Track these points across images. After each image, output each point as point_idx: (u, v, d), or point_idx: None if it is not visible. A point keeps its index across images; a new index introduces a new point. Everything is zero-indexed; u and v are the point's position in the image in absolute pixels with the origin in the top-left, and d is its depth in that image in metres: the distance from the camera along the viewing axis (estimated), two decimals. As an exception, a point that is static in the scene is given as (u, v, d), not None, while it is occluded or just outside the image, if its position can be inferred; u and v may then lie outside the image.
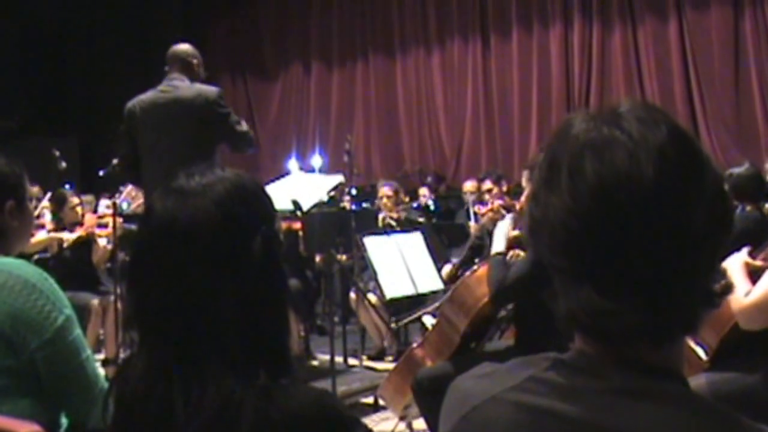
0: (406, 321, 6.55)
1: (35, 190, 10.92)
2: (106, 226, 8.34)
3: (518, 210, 5.45)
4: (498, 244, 4.70)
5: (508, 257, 4.69)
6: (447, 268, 8.77)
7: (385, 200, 9.37)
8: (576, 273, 1.34)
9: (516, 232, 4.72)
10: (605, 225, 1.29)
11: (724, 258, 3.89)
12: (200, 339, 1.67)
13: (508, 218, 4.92)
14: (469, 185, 11.18)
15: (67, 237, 8.34)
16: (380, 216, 9.19)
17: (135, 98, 6.75)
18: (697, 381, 3.86)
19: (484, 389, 1.40)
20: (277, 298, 1.81)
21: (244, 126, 6.72)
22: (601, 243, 1.30)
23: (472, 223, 9.69)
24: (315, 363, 8.43)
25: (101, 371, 2.70)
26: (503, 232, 4.76)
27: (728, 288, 1.37)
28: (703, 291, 1.35)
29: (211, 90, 6.56)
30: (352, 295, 8.72)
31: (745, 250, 4.05)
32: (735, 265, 3.95)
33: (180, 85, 6.58)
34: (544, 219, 1.37)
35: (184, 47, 6.82)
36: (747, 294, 3.76)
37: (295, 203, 6.52)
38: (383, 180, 11.04)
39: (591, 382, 1.33)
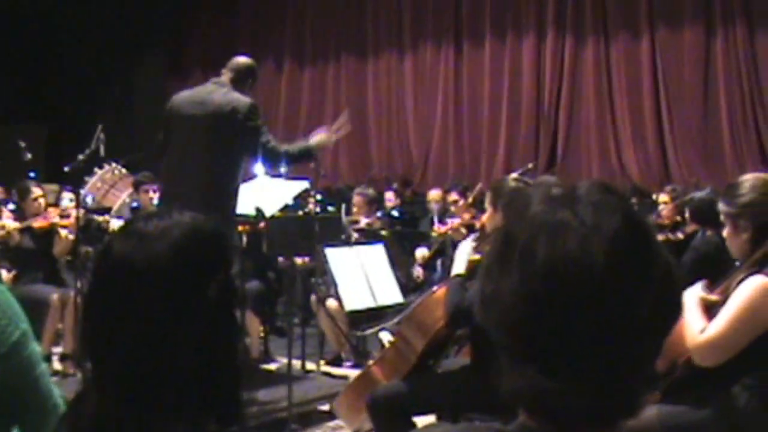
0: (364, 333, 6.58)
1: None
2: (68, 217, 8.30)
3: (480, 228, 5.46)
4: (459, 266, 4.71)
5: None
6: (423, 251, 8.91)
7: (357, 208, 9.48)
8: (523, 352, 1.35)
9: (477, 256, 4.72)
10: (554, 309, 1.31)
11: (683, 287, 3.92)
12: (152, 383, 1.68)
13: (470, 240, 4.92)
14: (434, 194, 11.22)
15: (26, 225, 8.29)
16: (363, 221, 9.29)
17: (182, 92, 6.80)
18: (648, 413, 3.88)
19: None
20: (230, 345, 1.81)
21: (272, 142, 6.71)
22: (549, 326, 1.32)
23: (436, 228, 9.76)
24: (273, 367, 8.42)
25: (55, 388, 2.68)
26: (465, 252, 4.77)
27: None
28: (648, 375, 1.37)
29: (243, 101, 6.57)
30: (314, 297, 8.74)
31: (700, 285, 4.08)
32: (691, 299, 3.97)
33: (217, 90, 6.62)
34: (495, 296, 1.38)
35: (244, 60, 6.92)
36: (702, 331, 3.78)
37: (258, 211, 6.52)
38: (357, 187, 11.06)
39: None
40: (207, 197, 6.38)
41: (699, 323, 3.83)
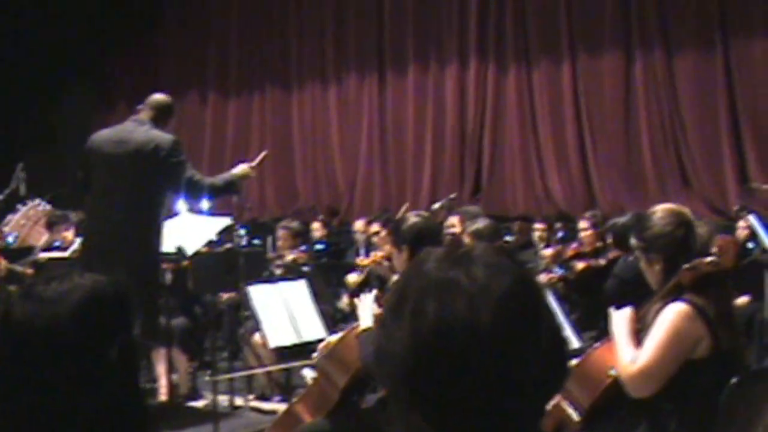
0: (288, 366, 6.57)
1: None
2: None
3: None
4: (365, 320, 4.65)
5: None
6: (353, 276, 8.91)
7: (282, 242, 9.46)
8: (410, 401, 1.38)
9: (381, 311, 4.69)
10: (441, 364, 1.34)
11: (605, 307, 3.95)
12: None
13: (372, 295, 4.87)
14: (359, 224, 11.25)
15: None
16: (289, 256, 9.27)
17: (100, 131, 6.78)
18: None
19: None
20: (134, 404, 1.81)
21: (196, 176, 6.72)
22: (436, 379, 1.35)
23: (360, 260, 9.77)
24: (201, 404, 8.35)
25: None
26: (368, 306, 4.73)
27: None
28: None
29: (165, 138, 6.58)
30: (241, 332, 8.71)
31: (629, 309, 4.12)
32: (620, 327, 4.02)
33: (137, 128, 6.61)
34: (388, 347, 1.41)
35: (162, 98, 6.92)
36: (633, 361, 3.83)
37: (180, 249, 6.50)
38: (281, 219, 11.06)
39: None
40: (132, 237, 6.37)
41: (629, 353, 3.88)
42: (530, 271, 1.46)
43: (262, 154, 7.61)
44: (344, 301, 9.45)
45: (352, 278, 9.57)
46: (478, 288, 1.36)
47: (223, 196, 7.45)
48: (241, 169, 7.23)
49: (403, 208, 10.02)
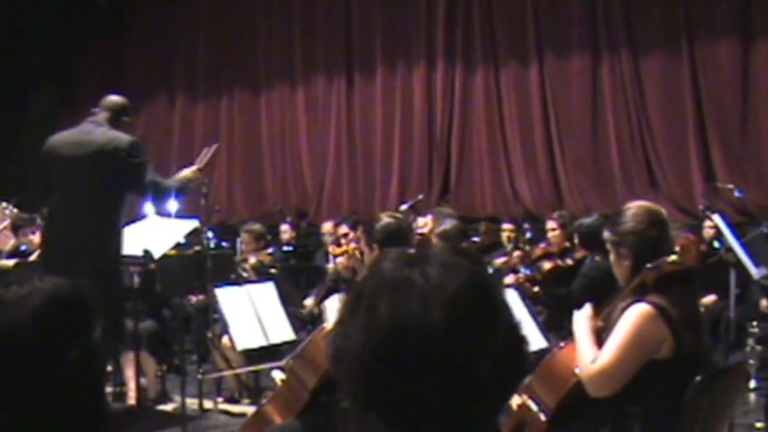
0: (257, 369, 6.56)
1: None
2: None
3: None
4: (332, 321, 4.64)
5: None
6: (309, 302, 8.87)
7: (245, 245, 9.44)
8: (367, 401, 1.39)
9: None
10: (396, 362, 1.35)
11: (572, 307, 3.96)
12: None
13: (340, 296, 4.90)
14: (327, 226, 11.26)
15: None
16: (251, 259, 9.23)
17: (58, 133, 6.77)
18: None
19: None
20: (95, 408, 1.80)
21: (157, 177, 6.72)
22: (392, 378, 1.35)
23: (329, 265, 9.75)
24: (170, 407, 8.33)
25: None
26: (335, 308, 4.74)
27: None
28: (491, 430, 1.41)
29: (123, 138, 6.57)
30: (210, 334, 8.69)
31: (588, 307, 4.15)
32: (581, 326, 4.04)
33: (94, 129, 6.58)
34: (345, 347, 1.42)
35: (117, 99, 6.91)
36: (593, 361, 3.84)
37: (147, 252, 6.48)
38: (248, 221, 11.05)
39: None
40: (93, 239, 6.35)
41: (590, 352, 3.89)
42: (486, 270, 1.46)
43: (207, 151, 7.56)
44: (309, 303, 9.36)
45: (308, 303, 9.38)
46: (431, 287, 1.37)
47: (180, 198, 7.41)
48: (187, 172, 7.24)
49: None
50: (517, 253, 9.41)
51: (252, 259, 9.25)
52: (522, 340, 1.45)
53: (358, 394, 1.41)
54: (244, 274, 8.99)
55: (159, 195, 6.86)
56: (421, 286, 1.37)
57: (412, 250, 1.48)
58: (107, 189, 6.50)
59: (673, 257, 3.90)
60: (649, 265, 3.88)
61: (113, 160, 6.47)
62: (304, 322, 8.76)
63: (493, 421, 1.43)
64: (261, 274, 8.74)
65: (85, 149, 6.51)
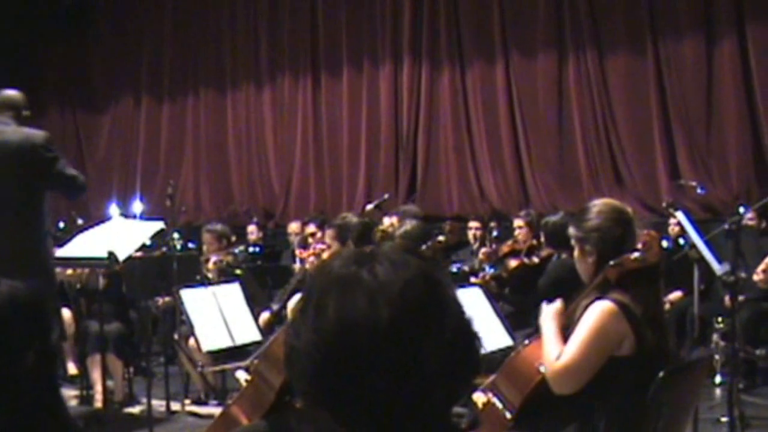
0: (223, 368, 6.54)
1: None
2: None
3: None
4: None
5: None
6: (265, 316, 8.80)
7: (207, 246, 9.39)
8: (318, 399, 1.40)
9: None
10: (344, 360, 1.36)
11: (538, 305, 3.98)
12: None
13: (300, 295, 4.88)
14: (294, 226, 11.25)
15: None
16: (212, 259, 9.18)
17: None
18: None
19: None
20: (52, 409, 1.80)
21: (72, 171, 6.66)
22: (341, 375, 1.37)
23: (296, 266, 9.74)
24: (137, 409, 8.30)
25: None
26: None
27: (475, 425, 1.45)
28: (443, 426, 1.41)
29: (38, 134, 6.49)
30: (177, 336, 8.66)
31: (558, 303, 4.16)
32: (548, 322, 4.06)
33: (6, 130, 6.50)
34: (296, 346, 1.43)
35: (15, 94, 6.78)
36: (557, 358, 3.86)
37: (111, 255, 6.44)
38: (212, 221, 11.02)
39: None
40: (24, 240, 6.29)
41: (555, 349, 3.91)
42: (437, 268, 1.47)
43: None
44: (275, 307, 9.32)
45: (264, 318, 9.31)
46: (378, 284, 1.38)
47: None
48: None
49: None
50: (483, 250, 9.43)
51: (213, 259, 9.18)
52: (472, 336, 1.46)
53: (310, 392, 1.42)
54: (209, 275, 8.95)
55: (76, 188, 6.80)
56: (369, 283, 1.39)
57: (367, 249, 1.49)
58: (30, 188, 6.43)
59: (636, 254, 3.91)
60: (611, 263, 3.90)
61: (33, 158, 6.40)
62: (271, 323, 8.74)
63: (445, 417, 1.44)
64: (225, 275, 8.71)
65: (3, 150, 6.43)
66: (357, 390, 1.36)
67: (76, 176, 6.67)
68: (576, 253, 4.17)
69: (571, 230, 4.18)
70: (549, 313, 4.10)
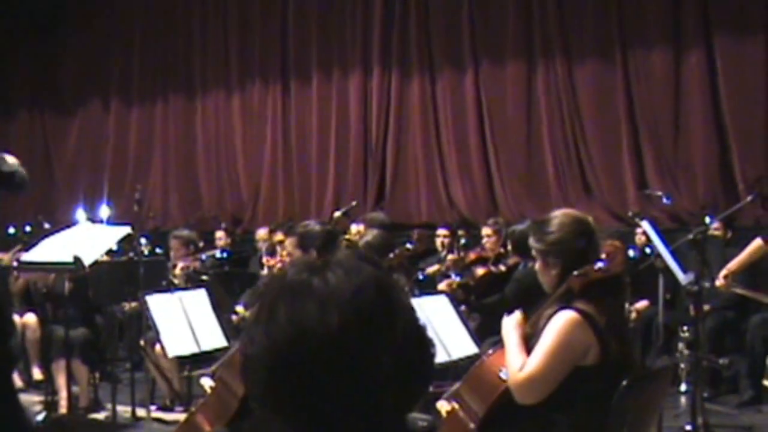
0: (190, 375, 6.52)
1: None
2: None
3: None
4: None
5: None
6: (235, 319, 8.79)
7: (174, 252, 9.36)
8: (271, 404, 1.41)
9: None
10: (295, 365, 1.38)
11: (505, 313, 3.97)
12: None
13: None
14: (261, 233, 11.24)
15: None
16: (179, 265, 9.15)
17: None
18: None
19: None
20: (9, 412, 1.80)
21: (11, 166, 6.48)
22: (293, 381, 1.38)
23: (263, 272, 9.73)
24: (102, 415, 8.26)
25: None
26: None
27: (433, 428, 1.46)
28: (397, 431, 1.42)
29: None
30: (142, 342, 8.63)
31: (518, 314, 4.17)
32: (510, 333, 4.05)
33: None
34: (250, 352, 1.44)
35: None
36: (521, 368, 3.86)
37: (77, 259, 6.41)
38: (180, 227, 10.99)
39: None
40: None
41: (518, 360, 3.90)
42: (388, 275, 1.48)
43: None
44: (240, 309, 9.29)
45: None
46: (329, 291, 1.40)
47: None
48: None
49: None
50: (450, 257, 9.45)
51: (180, 265, 9.15)
52: (425, 342, 1.48)
53: (264, 397, 1.44)
54: (175, 281, 8.92)
55: (18, 185, 6.69)
56: (320, 289, 1.41)
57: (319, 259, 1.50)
58: None
59: (600, 264, 3.92)
60: (575, 273, 3.91)
61: None
62: (239, 329, 8.72)
63: (399, 421, 1.45)
64: (192, 281, 8.68)
65: None
66: (309, 395, 1.37)
67: (12, 172, 6.49)
68: (538, 265, 4.17)
69: (532, 243, 4.17)
70: (510, 323, 4.10)
